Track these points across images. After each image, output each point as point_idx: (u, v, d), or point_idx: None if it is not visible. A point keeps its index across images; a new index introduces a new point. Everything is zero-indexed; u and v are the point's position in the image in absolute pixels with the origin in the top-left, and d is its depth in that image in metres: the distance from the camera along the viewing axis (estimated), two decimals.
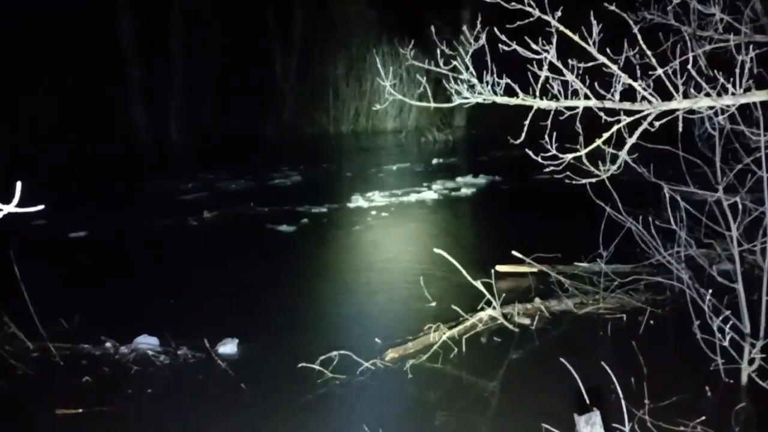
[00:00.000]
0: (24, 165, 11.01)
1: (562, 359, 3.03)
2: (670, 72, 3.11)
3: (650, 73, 3.17)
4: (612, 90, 3.20)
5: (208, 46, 17.18)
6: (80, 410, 3.49)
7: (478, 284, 4.58)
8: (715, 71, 3.15)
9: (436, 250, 4.84)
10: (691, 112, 3.36)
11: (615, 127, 3.18)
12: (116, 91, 15.81)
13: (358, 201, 9.17)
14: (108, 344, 4.27)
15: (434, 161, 12.91)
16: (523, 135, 3.38)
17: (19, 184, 1.49)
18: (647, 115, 3.23)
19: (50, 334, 4.24)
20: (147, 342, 4.29)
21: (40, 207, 1.61)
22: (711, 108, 3.28)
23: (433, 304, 4.91)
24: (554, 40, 3.18)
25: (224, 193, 10.16)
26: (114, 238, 7.54)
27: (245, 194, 9.93)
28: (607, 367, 2.97)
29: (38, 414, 3.58)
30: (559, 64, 3.19)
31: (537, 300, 4.85)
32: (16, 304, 4.24)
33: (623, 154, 3.29)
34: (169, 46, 16.68)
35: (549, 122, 3.26)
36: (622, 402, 2.77)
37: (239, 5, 17.13)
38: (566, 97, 3.26)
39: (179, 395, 3.75)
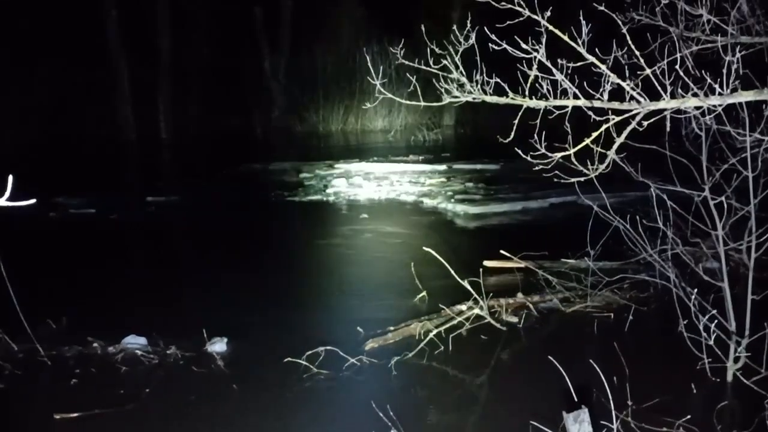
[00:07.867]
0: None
1: (550, 357, 3.05)
2: (658, 72, 3.13)
3: (638, 73, 3.19)
4: (601, 90, 3.21)
5: (195, 43, 17.04)
6: (75, 414, 3.44)
7: (465, 283, 4.58)
8: (703, 72, 3.18)
9: (426, 248, 4.85)
10: (679, 111, 3.38)
11: (603, 127, 3.19)
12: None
13: None
14: (95, 344, 4.22)
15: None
16: (512, 134, 3.40)
17: (11, 179, 1.48)
18: (635, 114, 3.25)
19: (36, 335, 4.18)
20: (135, 342, 4.25)
21: (32, 201, 1.59)
22: (698, 108, 3.31)
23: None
24: (544, 40, 3.19)
25: None
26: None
27: None
28: (595, 366, 2.99)
29: (28, 416, 3.55)
30: (549, 64, 3.20)
31: (524, 297, 4.86)
32: (0, 304, 4.17)
33: (612, 153, 3.31)
34: (156, 44, 16.49)
35: (538, 121, 3.27)
36: (610, 400, 2.80)
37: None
38: (555, 97, 3.27)
39: (170, 395, 3.71)
